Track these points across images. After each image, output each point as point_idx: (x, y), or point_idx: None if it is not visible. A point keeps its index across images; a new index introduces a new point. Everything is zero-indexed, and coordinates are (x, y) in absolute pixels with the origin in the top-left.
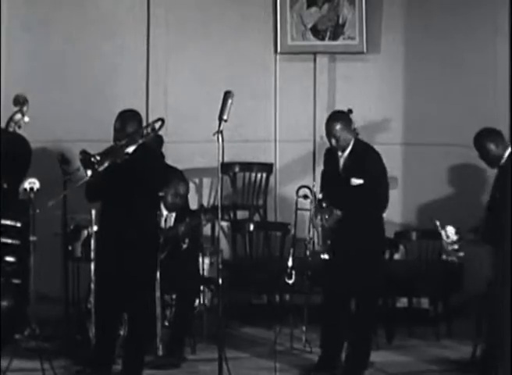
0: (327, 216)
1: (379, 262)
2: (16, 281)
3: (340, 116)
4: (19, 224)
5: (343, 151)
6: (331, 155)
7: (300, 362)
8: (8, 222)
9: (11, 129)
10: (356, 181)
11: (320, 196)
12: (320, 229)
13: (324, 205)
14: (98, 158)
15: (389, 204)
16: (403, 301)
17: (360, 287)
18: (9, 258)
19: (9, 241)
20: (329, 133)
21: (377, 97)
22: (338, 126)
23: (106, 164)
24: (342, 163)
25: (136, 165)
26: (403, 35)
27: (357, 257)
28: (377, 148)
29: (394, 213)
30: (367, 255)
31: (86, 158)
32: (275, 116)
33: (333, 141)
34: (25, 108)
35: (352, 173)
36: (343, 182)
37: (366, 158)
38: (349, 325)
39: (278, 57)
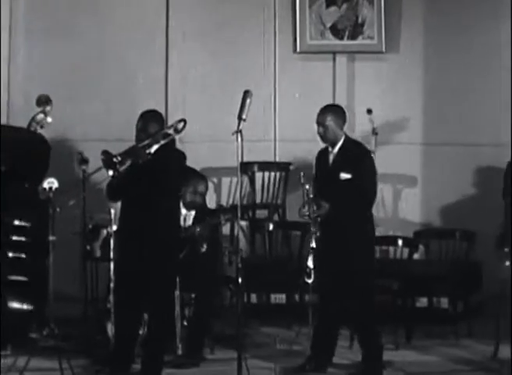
0: (315, 208)
1: (368, 259)
2: (20, 279)
3: (333, 109)
4: (26, 224)
5: (333, 147)
6: (321, 155)
7: None
8: (17, 222)
9: (33, 128)
10: (344, 176)
11: (307, 187)
12: (307, 219)
13: (311, 195)
14: (120, 158)
15: (408, 203)
16: (422, 301)
17: (350, 284)
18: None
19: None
20: (319, 122)
21: (396, 96)
22: (328, 117)
23: (127, 164)
24: (331, 159)
25: (158, 165)
26: (422, 34)
27: (345, 252)
28: (396, 147)
29: (413, 213)
30: (355, 250)
31: (107, 158)
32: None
33: (321, 130)
34: (48, 109)
35: (341, 168)
36: (332, 177)
37: (355, 154)
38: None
39: (298, 56)
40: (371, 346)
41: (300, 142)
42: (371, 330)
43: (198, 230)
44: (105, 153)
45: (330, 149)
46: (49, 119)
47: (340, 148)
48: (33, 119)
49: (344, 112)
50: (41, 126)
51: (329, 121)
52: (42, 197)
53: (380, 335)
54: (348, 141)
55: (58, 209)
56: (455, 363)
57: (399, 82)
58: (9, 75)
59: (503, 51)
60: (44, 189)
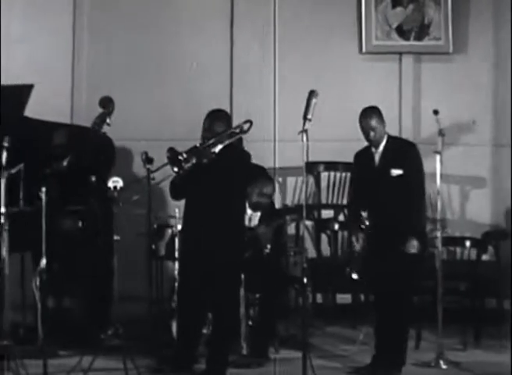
0: (359, 238)
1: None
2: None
3: (375, 111)
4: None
5: (377, 147)
6: (361, 157)
7: None
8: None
9: (96, 129)
10: (396, 172)
11: (364, 214)
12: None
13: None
14: (185, 155)
15: (476, 205)
16: (491, 302)
17: (399, 282)
18: None
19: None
20: (367, 126)
21: (464, 97)
22: (375, 120)
23: (192, 162)
24: (377, 158)
25: (223, 164)
26: (491, 35)
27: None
28: (464, 148)
29: (482, 214)
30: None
31: (173, 155)
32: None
33: (371, 134)
34: (110, 109)
35: (390, 165)
36: (380, 176)
37: (402, 149)
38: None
39: (363, 57)
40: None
41: (365, 142)
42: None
43: (262, 230)
44: (171, 150)
45: (374, 149)
46: (110, 121)
47: (385, 146)
48: (97, 119)
49: (381, 112)
50: (107, 124)
51: (375, 123)
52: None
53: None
54: (390, 138)
55: (120, 204)
56: None
57: (466, 83)
58: (73, 75)
59: None
60: (109, 188)
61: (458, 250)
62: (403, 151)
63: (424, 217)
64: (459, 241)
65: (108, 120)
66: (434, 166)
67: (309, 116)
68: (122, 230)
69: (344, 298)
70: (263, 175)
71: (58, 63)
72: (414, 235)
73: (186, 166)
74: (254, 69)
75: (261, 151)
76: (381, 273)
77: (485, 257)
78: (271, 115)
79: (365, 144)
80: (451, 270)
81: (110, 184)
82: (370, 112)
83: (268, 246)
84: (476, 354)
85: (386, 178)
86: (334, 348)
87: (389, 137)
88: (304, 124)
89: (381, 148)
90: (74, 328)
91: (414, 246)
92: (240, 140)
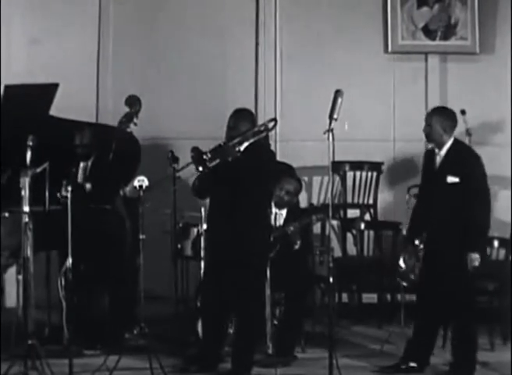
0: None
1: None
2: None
3: (440, 110)
4: None
5: (440, 149)
6: (429, 155)
7: None
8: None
9: (122, 128)
10: (452, 179)
11: (418, 242)
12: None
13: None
14: (210, 155)
15: (505, 205)
16: None
17: (456, 284)
18: None
19: None
20: (426, 121)
21: (490, 98)
22: (434, 117)
23: (217, 161)
24: (438, 161)
25: (248, 163)
26: None
27: (453, 254)
28: (491, 149)
29: (509, 214)
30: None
31: (197, 154)
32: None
33: (426, 129)
34: (137, 108)
35: (448, 171)
36: (439, 180)
37: (463, 157)
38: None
39: (389, 57)
40: (465, 347)
41: (391, 142)
42: (469, 331)
43: (293, 227)
44: (195, 150)
45: (437, 151)
46: (137, 120)
47: (448, 151)
48: (123, 118)
49: (453, 116)
50: (134, 124)
51: (434, 121)
52: (132, 195)
53: (476, 337)
54: (457, 143)
55: (147, 205)
56: None
57: (493, 83)
58: (98, 73)
59: None
60: (135, 187)
61: (487, 250)
62: (463, 157)
63: (487, 231)
64: (487, 241)
65: (134, 119)
66: None
67: (335, 116)
68: (148, 229)
69: (370, 298)
70: (288, 173)
71: (84, 62)
72: (475, 249)
73: (211, 165)
74: (279, 70)
75: (286, 150)
76: (435, 277)
77: None
78: (301, 113)
79: (388, 144)
80: (479, 270)
81: (135, 183)
82: (432, 110)
83: (298, 242)
84: (504, 354)
85: (443, 183)
86: (360, 348)
87: (455, 141)
88: (330, 124)
89: (443, 151)
90: (99, 327)
91: (475, 260)
92: (267, 138)
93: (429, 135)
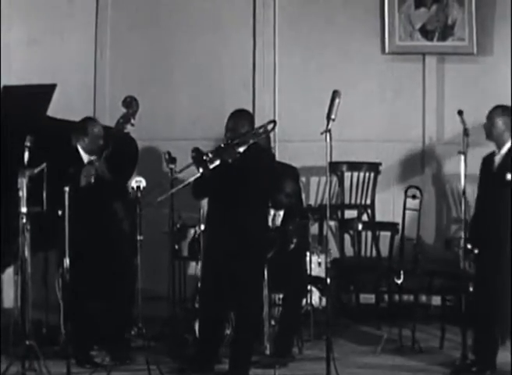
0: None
1: None
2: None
3: (505, 108)
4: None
5: (500, 148)
6: (486, 161)
7: (408, 362)
8: None
9: (119, 129)
10: (510, 176)
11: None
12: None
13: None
14: (210, 155)
15: None
16: None
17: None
18: None
19: None
20: (487, 117)
21: (488, 98)
22: (497, 114)
23: (217, 162)
24: (497, 162)
25: (247, 164)
26: None
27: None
28: (488, 149)
29: None
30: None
31: (198, 155)
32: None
33: (487, 125)
34: (134, 109)
35: (508, 169)
36: (498, 180)
37: None
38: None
39: (386, 57)
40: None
41: (389, 142)
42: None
43: (291, 228)
44: (196, 150)
45: (497, 151)
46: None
47: (509, 150)
48: (120, 119)
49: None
50: (130, 125)
51: (497, 118)
52: (131, 196)
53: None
54: None
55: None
56: None
57: (491, 84)
58: (95, 74)
59: None
60: (132, 188)
61: None
62: None
63: None
64: None
65: (132, 120)
66: (458, 166)
67: (333, 116)
68: (146, 230)
69: (367, 298)
70: (288, 174)
71: (81, 62)
72: None
73: (212, 166)
74: (277, 71)
75: (285, 150)
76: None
77: None
78: (298, 114)
79: (385, 145)
80: None
81: (133, 184)
82: (495, 107)
83: (294, 240)
84: (504, 354)
85: (502, 183)
86: (358, 348)
87: None
88: (328, 124)
89: (503, 150)
90: (97, 328)
91: None
92: (268, 140)
93: (489, 132)
